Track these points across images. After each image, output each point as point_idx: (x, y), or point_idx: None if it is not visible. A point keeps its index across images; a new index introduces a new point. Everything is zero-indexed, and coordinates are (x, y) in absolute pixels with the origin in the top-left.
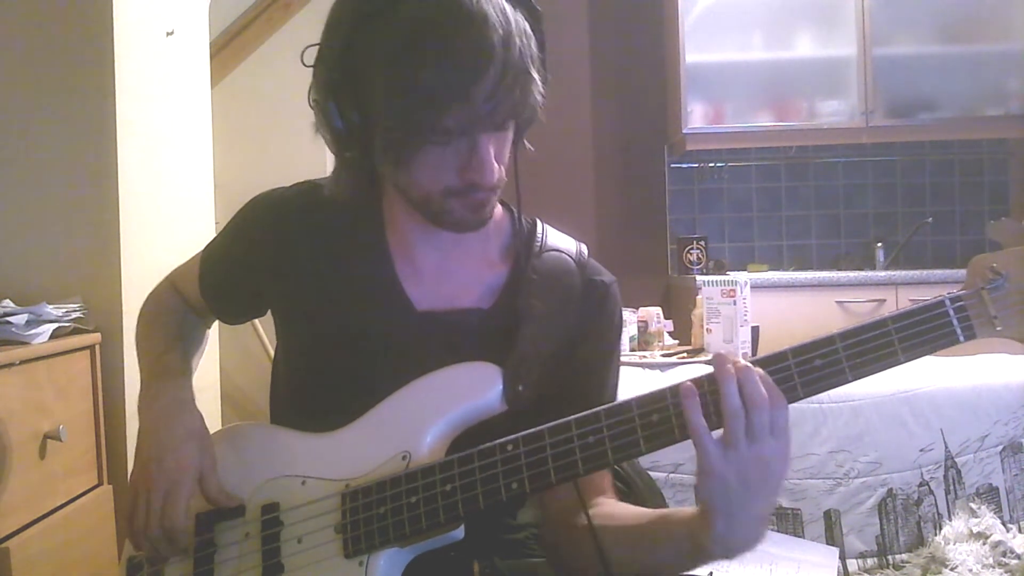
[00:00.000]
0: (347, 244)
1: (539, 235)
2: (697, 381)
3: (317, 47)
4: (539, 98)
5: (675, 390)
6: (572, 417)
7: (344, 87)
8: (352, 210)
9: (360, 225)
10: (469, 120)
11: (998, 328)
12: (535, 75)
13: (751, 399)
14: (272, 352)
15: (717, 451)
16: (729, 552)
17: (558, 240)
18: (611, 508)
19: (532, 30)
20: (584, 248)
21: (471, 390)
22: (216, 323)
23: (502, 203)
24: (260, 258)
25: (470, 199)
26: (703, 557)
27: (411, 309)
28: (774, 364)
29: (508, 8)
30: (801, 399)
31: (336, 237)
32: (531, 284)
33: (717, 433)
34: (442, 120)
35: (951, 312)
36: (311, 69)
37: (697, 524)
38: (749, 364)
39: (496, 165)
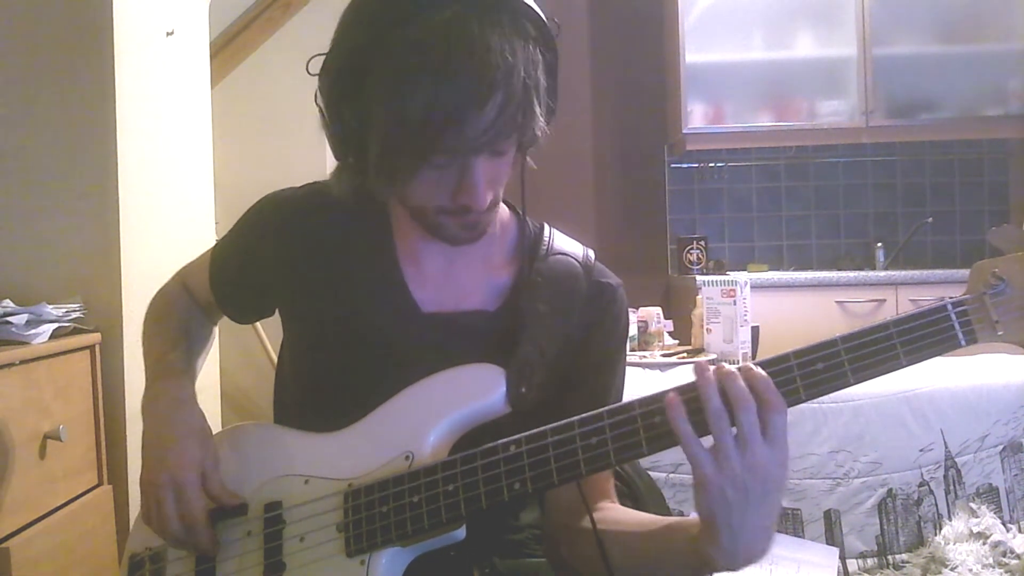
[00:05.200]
0: (354, 245)
1: (545, 239)
2: (681, 389)
3: (322, 56)
4: (539, 131)
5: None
6: (575, 418)
7: (345, 99)
8: (360, 212)
9: (367, 227)
10: (463, 147)
11: (999, 333)
12: (537, 108)
13: (736, 399)
14: (272, 353)
15: (709, 462)
16: (735, 564)
17: (565, 244)
18: (616, 514)
19: (544, 52)
20: (591, 253)
21: (474, 391)
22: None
23: (510, 206)
24: (267, 256)
25: (462, 219)
26: (708, 569)
27: (417, 311)
28: (776, 366)
29: (516, 36)
30: (803, 401)
31: (343, 238)
32: (535, 286)
33: (709, 441)
34: (435, 148)
35: (953, 316)
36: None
37: (701, 537)
38: (733, 369)
39: (487, 189)
